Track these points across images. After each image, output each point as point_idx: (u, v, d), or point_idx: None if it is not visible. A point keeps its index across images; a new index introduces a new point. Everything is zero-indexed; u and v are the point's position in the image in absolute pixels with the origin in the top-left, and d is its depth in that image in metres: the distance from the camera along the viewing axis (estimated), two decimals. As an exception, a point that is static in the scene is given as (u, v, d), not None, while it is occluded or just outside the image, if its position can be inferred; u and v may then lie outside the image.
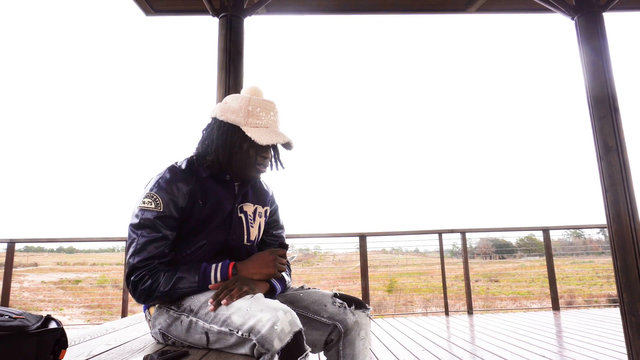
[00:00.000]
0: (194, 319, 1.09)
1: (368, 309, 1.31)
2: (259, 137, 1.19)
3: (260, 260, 1.22)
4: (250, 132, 1.20)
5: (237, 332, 1.00)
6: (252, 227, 1.32)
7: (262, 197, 1.39)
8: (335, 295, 1.30)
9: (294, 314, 1.02)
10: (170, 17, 3.57)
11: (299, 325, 1.00)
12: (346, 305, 1.27)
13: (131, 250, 1.14)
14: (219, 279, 1.16)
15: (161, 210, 1.15)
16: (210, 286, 1.16)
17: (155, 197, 1.16)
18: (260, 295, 1.10)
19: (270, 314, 0.98)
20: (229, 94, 2.96)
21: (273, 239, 1.45)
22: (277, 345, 0.94)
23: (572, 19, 2.92)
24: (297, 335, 0.98)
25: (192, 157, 1.29)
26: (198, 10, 3.36)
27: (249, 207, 1.32)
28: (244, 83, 2.87)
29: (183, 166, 1.24)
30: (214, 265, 1.17)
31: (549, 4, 2.96)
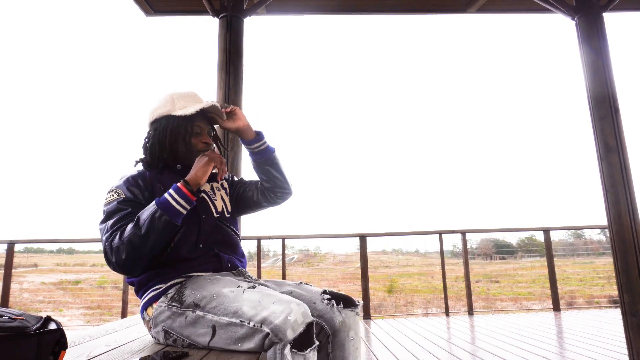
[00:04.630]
0: (201, 313, 1.10)
1: (357, 306, 1.30)
2: (184, 111, 1.29)
3: (198, 162, 1.26)
4: (179, 113, 1.30)
5: (249, 323, 1.01)
6: (216, 200, 1.40)
7: (212, 176, 1.44)
8: (324, 292, 1.29)
9: (306, 306, 1.04)
10: (170, 17, 3.57)
11: (310, 317, 1.03)
12: (334, 303, 1.25)
13: (104, 236, 1.16)
14: (174, 195, 1.17)
15: (123, 197, 1.21)
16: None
17: (115, 190, 1.24)
18: (269, 290, 1.12)
19: (283, 307, 1.01)
20: (228, 94, 2.95)
21: (251, 186, 1.50)
22: (290, 335, 0.97)
23: (573, 19, 2.92)
24: (309, 327, 1.01)
25: (140, 166, 1.37)
26: (198, 11, 3.36)
27: (205, 186, 1.41)
28: (243, 83, 2.87)
29: (135, 170, 1.33)
30: (166, 192, 1.20)
31: (549, 4, 2.96)
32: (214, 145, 1.44)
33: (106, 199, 1.23)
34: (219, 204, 1.41)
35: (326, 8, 3.50)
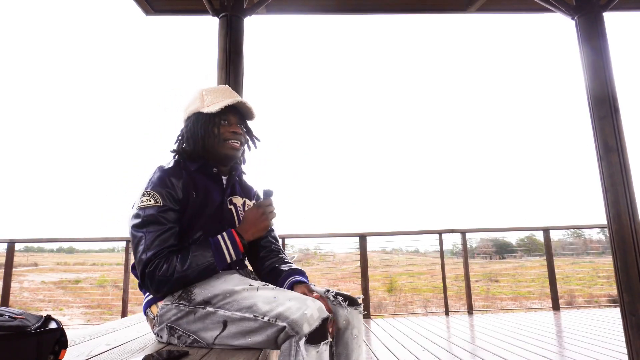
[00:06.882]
0: (212, 309, 1.12)
1: (360, 304, 1.31)
2: (211, 108, 1.31)
3: (252, 218, 1.29)
4: (207, 110, 1.32)
5: (263, 318, 1.04)
6: (242, 218, 1.38)
7: (248, 192, 1.49)
8: (327, 292, 1.30)
9: (321, 303, 1.08)
10: (170, 16, 3.57)
11: (326, 312, 1.06)
12: (340, 301, 1.27)
13: (141, 247, 1.16)
14: (229, 246, 1.22)
15: (161, 204, 1.20)
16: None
17: (152, 193, 1.21)
18: (283, 289, 1.17)
19: (299, 303, 1.05)
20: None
21: (266, 240, 1.47)
22: (307, 329, 1.00)
23: (573, 18, 2.92)
24: (325, 321, 1.04)
25: (176, 157, 1.37)
26: (198, 10, 3.36)
27: (237, 200, 1.41)
28: (243, 82, 2.87)
29: (172, 164, 1.32)
30: (219, 236, 1.23)
31: (549, 4, 2.96)
32: (244, 137, 1.42)
33: (142, 201, 1.20)
34: None
35: (326, 7, 3.50)
